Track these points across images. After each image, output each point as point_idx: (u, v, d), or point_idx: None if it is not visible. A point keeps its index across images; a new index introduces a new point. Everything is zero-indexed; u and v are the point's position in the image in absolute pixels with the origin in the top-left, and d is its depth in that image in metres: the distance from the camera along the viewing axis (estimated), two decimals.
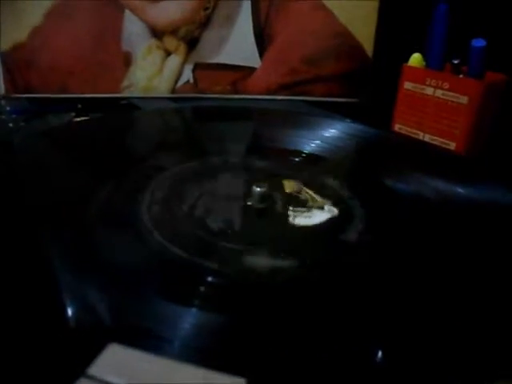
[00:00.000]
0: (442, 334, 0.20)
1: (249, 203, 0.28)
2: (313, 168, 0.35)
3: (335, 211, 0.28)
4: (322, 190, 0.31)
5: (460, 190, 0.32)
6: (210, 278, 0.22)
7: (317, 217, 0.28)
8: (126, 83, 0.50)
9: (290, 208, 0.28)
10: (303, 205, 0.29)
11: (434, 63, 0.41)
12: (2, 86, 0.48)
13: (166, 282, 0.22)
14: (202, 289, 0.21)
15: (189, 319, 0.19)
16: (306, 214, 0.28)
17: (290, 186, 0.31)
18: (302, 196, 0.30)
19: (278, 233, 0.27)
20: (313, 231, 0.27)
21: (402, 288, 0.23)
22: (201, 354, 0.17)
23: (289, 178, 0.32)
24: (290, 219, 0.27)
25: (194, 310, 0.20)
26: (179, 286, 0.22)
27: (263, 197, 0.28)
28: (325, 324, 0.20)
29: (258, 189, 0.28)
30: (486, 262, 0.25)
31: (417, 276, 0.24)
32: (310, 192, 0.30)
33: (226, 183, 0.32)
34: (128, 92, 0.50)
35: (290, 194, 0.30)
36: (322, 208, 0.29)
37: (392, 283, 0.23)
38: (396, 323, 0.20)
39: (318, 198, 0.30)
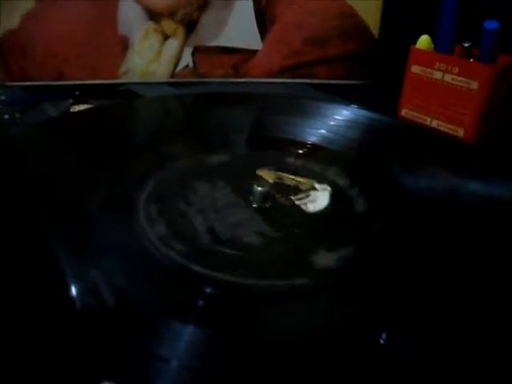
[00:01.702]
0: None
1: (254, 205, 0.28)
2: (315, 158, 0.34)
3: (328, 188, 0.29)
4: (298, 172, 0.31)
5: (467, 182, 0.32)
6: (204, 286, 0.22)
7: (320, 198, 0.28)
8: (123, 69, 0.48)
9: (293, 198, 0.28)
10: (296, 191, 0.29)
11: (443, 46, 0.40)
12: None
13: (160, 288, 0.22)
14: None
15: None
16: (309, 199, 0.28)
17: (267, 175, 0.30)
18: (288, 182, 0.30)
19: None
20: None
21: (407, 284, 0.22)
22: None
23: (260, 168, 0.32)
24: (304, 209, 0.28)
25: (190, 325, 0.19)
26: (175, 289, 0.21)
27: (265, 195, 0.27)
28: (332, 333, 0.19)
29: (260, 188, 0.27)
30: (491, 257, 0.24)
31: (420, 271, 0.24)
32: (290, 176, 0.30)
33: (226, 184, 0.31)
34: (126, 78, 0.49)
35: (276, 183, 0.30)
36: (314, 188, 0.29)
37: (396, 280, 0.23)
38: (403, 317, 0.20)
39: (301, 179, 0.30)
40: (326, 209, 0.28)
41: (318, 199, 0.28)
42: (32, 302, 0.20)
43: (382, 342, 0.20)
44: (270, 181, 0.30)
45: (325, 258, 0.24)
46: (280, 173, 0.31)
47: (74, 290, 0.21)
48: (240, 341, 0.19)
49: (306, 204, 0.28)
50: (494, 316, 0.21)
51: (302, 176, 0.30)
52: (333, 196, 0.29)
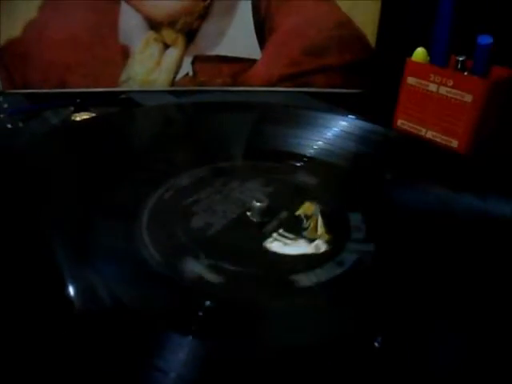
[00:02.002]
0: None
1: (248, 213, 0.28)
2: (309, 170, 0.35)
3: (321, 249, 0.27)
4: (331, 222, 0.29)
5: (460, 194, 0.32)
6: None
7: (295, 248, 0.26)
8: (124, 77, 0.49)
9: (280, 231, 0.27)
10: (297, 232, 0.28)
11: (438, 59, 0.40)
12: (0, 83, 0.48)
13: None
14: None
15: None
16: (287, 241, 0.27)
17: (306, 209, 0.30)
18: (306, 223, 0.28)
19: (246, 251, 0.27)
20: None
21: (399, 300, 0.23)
22: None
23: (312, 199, 0.31)
24: (268, 241, 0.27)
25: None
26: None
27: (263, 211, 0.28)
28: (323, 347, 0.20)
29: (258, 204, 0.28)
30: (484, 268, 0.25)
31: (415, 286, 0.24)
32: (320, 221, 0.29)
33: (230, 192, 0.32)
34: (127, 86, 0.49)
35: (297, 216, 0.29)
36: (311, 241, 0.27)
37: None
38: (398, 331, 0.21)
39: (320, 229, 0.28)
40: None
41: (291, 247, 0.26)
42: (31, 305, 0.21)
43: (376, 345, 0.21)
44: (298, 212, 0.29)
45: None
46: (319, 213, 0.29)
47: (72, 296, 0.22)
48: (237, 351, 0.20)
49: (274, 240, 0.27)
50: (487, 324, 0.21)
51: (328, 228, 0.28)
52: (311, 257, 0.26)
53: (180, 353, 0.19)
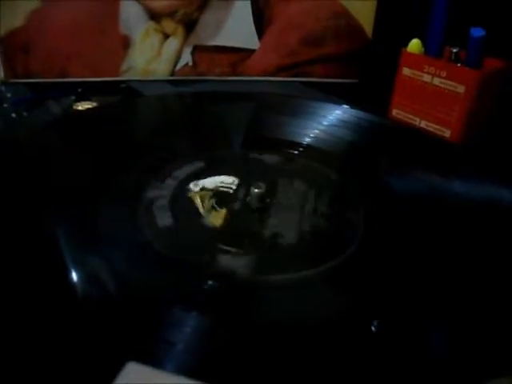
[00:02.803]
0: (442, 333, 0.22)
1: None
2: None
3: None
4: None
5: (453, 184, 0.34)
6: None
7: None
8: (125, 67, 0.50)
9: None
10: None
11: (432, 50, 0.41)
12: (1, 72, 0.48)
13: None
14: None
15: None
16: None
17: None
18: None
19: None
20: None
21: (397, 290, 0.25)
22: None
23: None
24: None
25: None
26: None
27: (262, 196, 0.29)
28: (322, 331, 0.22)
29: (256, 190, 0.29)
30: (480, 259, 0.26)
31: (409, 272, 0.26)
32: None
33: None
34: (127, 75, 0.50)
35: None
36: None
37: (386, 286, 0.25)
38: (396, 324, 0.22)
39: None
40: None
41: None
42: (35, 293, 0.22)
43: (373, 329, 0.22)
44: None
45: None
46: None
47: (76, 280, 0.23)
48: (239, 327, 0.21)
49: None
50: (484, 312, 0.23)
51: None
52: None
53: (186, 327, 0.20)
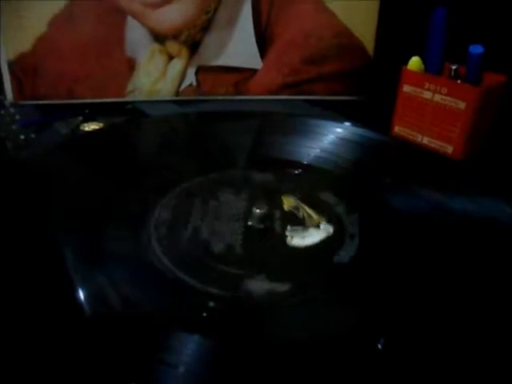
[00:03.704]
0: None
1: (249, 223, 0.30)
2: (311, 181, 0.36)
3: (331, 230, 0.30)
4: (318, 206, 0.32)
5: (456, 200, 0.34)
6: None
7: (312, 236, 0.29)
8: (130, 88, 0.51)
9: (288, 228, 0.30)
10: (300, 223, 0.30)
11: (432, 67, 0.42)
12: (10, 94, 0.50)
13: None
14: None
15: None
16: (302, 233, 0.29)
17: (288, 202, 0.32)
18: (300, 213, 0.31)
19: (275, 255, 0.28)
20: (308, 252, 0.28)
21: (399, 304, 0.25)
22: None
23: (287, 193, 0.33)
24: (288, 240, 0.29)
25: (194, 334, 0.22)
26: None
27: (263, 217, 0.29)
28: (323, 350, 0.22)
29: (258, 210, 0.29)
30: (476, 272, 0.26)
31: (411, 287, 0.26)
32: (307, 209, 0.31)
33: (227, 201, 0.33)
34: (133, 96, 0.51)
35: (288, 212, 0.31)
36: (317, 226, 0.30)
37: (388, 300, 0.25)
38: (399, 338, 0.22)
39: (313, 215, 0.31)
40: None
41: (309, 237, 0.29)
42: (43, 309, 0.22)
43: (379, 347, 0.22)
44: (286, 207, 0.31)
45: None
46: (300, 202, 0.32)
47: (83, 299, 0.24)
48: (242, 348, 0.22)
49: (293, 237, 0.29)
50: (483, 324, 0.23)
51: (317, 211, 0.31)
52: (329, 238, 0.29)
53: (188, 349, 0.20)
